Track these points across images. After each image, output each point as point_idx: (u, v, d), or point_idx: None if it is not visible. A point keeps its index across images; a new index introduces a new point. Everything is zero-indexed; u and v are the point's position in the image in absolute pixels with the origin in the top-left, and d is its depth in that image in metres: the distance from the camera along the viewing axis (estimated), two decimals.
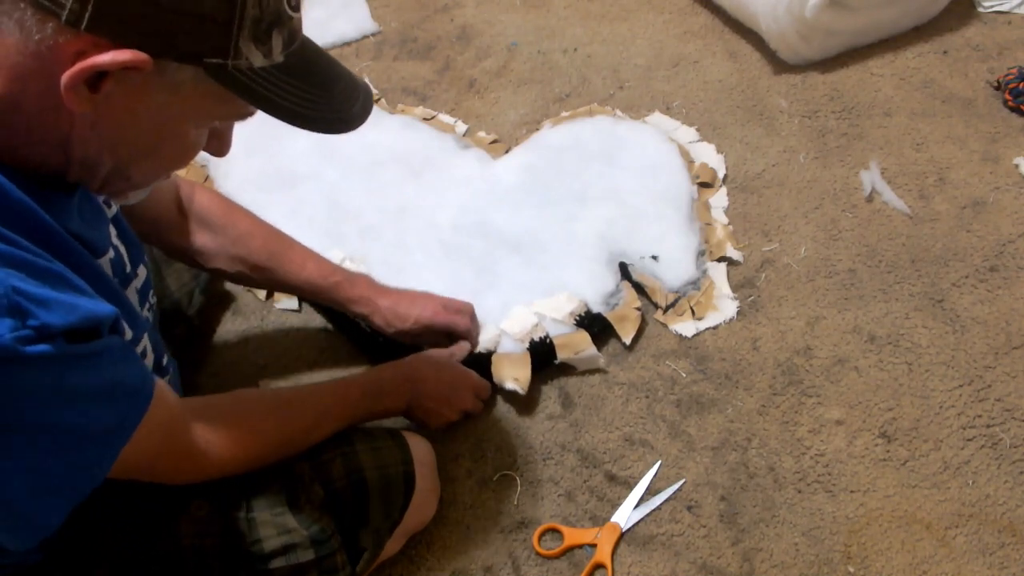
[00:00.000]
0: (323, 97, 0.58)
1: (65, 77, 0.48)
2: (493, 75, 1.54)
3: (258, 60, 0.53)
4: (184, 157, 0.61)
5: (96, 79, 0.49)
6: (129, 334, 0.63)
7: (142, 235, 0.93)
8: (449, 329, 1.02)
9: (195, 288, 1.11)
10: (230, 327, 1.17)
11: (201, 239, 0.94)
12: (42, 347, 0.47)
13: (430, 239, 1.21)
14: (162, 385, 0.63)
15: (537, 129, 1.40)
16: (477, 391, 1.00)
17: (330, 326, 1.16)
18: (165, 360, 0.75)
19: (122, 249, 0.70)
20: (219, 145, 0.63)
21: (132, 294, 0.70)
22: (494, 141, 1.40)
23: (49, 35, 0.47)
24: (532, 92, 1.49)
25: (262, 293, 1.20)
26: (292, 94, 0.56)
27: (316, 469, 0.79)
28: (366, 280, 1.01)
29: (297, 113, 0.56)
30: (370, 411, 0.88)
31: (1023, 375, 1.05)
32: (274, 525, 0.74)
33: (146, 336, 0.67)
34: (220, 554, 0.73)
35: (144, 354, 0.68)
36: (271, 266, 0.96)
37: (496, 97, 1.49)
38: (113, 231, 0.69)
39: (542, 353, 1.05)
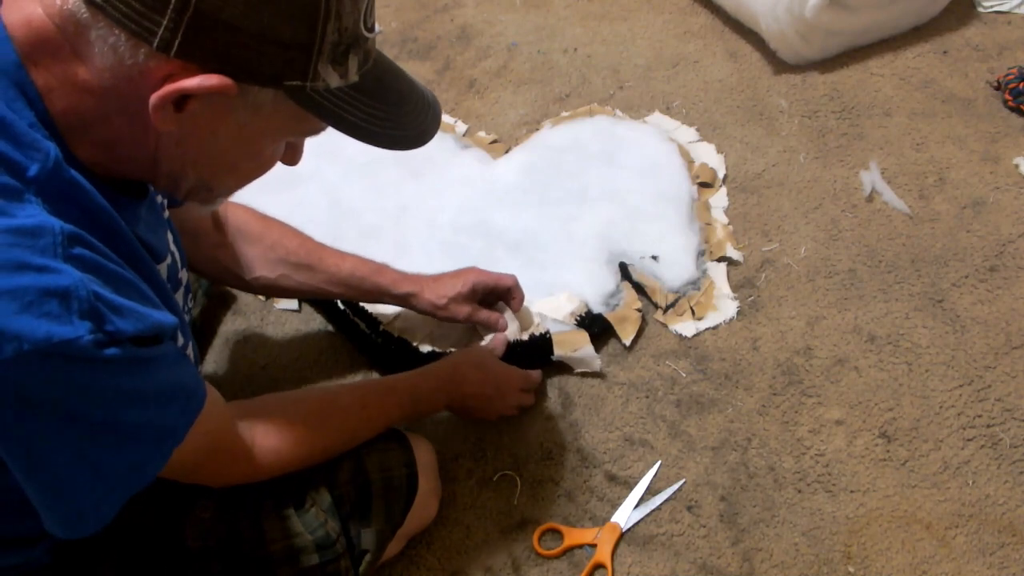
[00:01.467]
0: (394, 114, 0.60)
1: (153, 98, 0.50)
2: (493, 75, 1.54)
3: (334, 81, 0.55)
4: (261, 170, 0.63)
5: (182, 100, 0.51)
6: (181, 340, 0.65)
7: (190, 241, 0.95)
8: (497, 285, 1.03)
9: (198, 289, 1.11)
10: (230, 327, 1.17)
11: (240, 250, 0.95)
12: (113, 350, 0.50)
13: (430, 239, 1.21)
14: (212, 389, 0.65)
15: (537, 129, 1.40)
16: (523, 385, 1.01)
17: (330, 326, 1.16)
18: (201, 363, 0.77)
19: (177, 255, 0.72)
20: (292, 156, 0.65)
21: (180, 298, 0.72)
22: (494, 141, 1.40)
23: (141, 60, 0.50)
24: (532, 92, 1.49)
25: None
26: (364, 112, 0.58)
27: (321, 471, 0.79)
28: (399, 269, 1.04)
29: (368, 131, 0.58)
30: (407, 417, 0.89)
31: (1023, 375, 1.05)
32: (279, 528, 0.75)
33: (191, 345, 0.69)
34: (225, 557, 0.73)
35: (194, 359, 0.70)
36: (312, 263, 0.97)
37: (496, 97, 1.49)
38: (170, 236, 0.71)
39: (540, 349, 1.05)
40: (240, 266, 0.95)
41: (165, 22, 0.48)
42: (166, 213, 0.73)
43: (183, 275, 0.75)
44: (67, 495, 0.54)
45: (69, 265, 0.49)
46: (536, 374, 1.03)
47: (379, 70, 0.60)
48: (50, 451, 0.51)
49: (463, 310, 1.02)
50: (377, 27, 0.59)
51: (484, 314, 1.04)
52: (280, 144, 0.62)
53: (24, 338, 0.46)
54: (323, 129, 0.61)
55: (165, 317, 0.56)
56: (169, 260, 0.69)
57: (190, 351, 0.69)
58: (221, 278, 0.99)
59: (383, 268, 1.01)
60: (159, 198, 0.70)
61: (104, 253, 0.53)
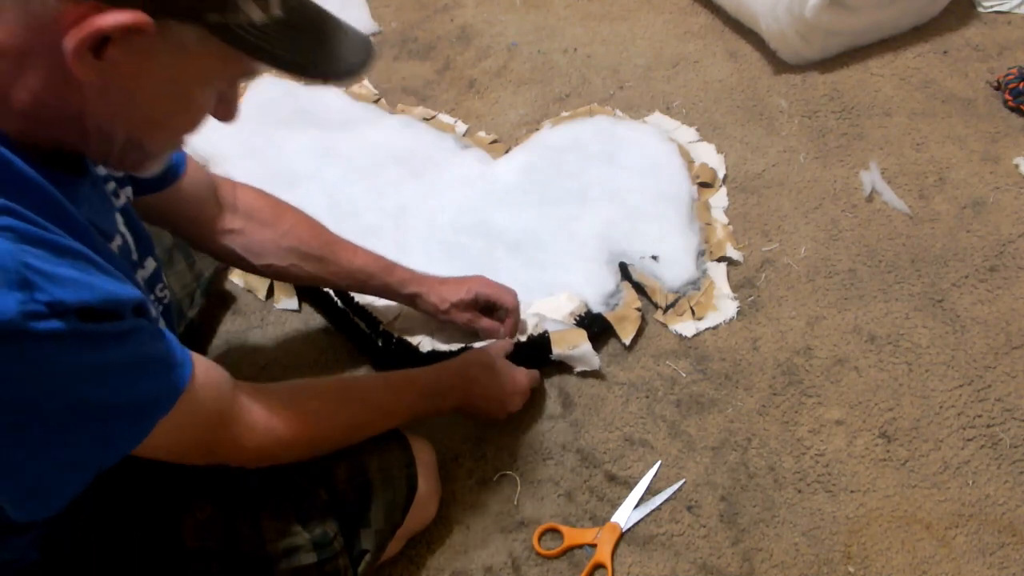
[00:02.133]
0: (325, 49, 0.59)
1: (68, 43, 0.48)
2: (493, 75, 1.54)
3: (257, 15, 0.53)
4: (193, 123, 0.61)
5: (100, 46, 0.50)
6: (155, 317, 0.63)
7: (191, 241, 0.95)
8: (498, 300, 1.04)
9: (196, 289, 1.11)
10: (230, 327, 1.17)
11: (251, 236, 0.94)
12: (52, 323, 0.47)
13: (430, 239, 1.21)
14: (207, 364, 0.64)
15: (537, 129, 1.40)
16: (531, 384, 1.01)
17: (330, 326, 1.16)
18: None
19: (129, 238, 0.70)
20: (226, 110, 0.63)
21: (139, 282, 0.71)
22: (494, 141, 1.40)
23: (51, 4, 0.48)
24: (532, 92, 1.49)
25: (262, 293, 1.20)
26: (293, 48, 0.56)
27: (320, 471, 0.79)
28: (409, 268, 1.04)
29: (300, 65, 0.57)
30: (424, 412, 0.89)
31: (1023, 375, 1.05)
32: (277, 528, 0.75)
33: (161, 322, 0.67)
34: (223, 556, 0.73)
35: None
36: (324, 255, 0.97)
37: (496, 97, 1.49)
38: (120, 219, 0.69)
39: (538, 348, 1.05)
40: (250, 251, 0.95)
41: None
42: (121, 200, 0.71)
43: (148, 263, 0.74)
44: (18, 476, 0.51)
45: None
46: (537, 372, 1.04)
47: (306, 6, 0.58)
48: (9, 442, 0.50)
49: (463, 316, 1.04)
50: None
51: (484, 322, 1.05)
52: (210, 92, 0.60)
53: None
54: (255, 72, 0.60)
55: (123, 289, 0.53)
56: (120, 241, 0.67)
57: (161, 325, 0.66)
58: (229, 261, 0.98)
59: (392, 267, 1.02)
60: (111, 187, 0.69)
61: (41, 224, 0.50)
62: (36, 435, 0.51)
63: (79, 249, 0.52)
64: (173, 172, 0.84)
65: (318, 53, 0.58)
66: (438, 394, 0.90)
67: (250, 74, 0.60)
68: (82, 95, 0.53)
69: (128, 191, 0.74)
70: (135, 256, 0.70)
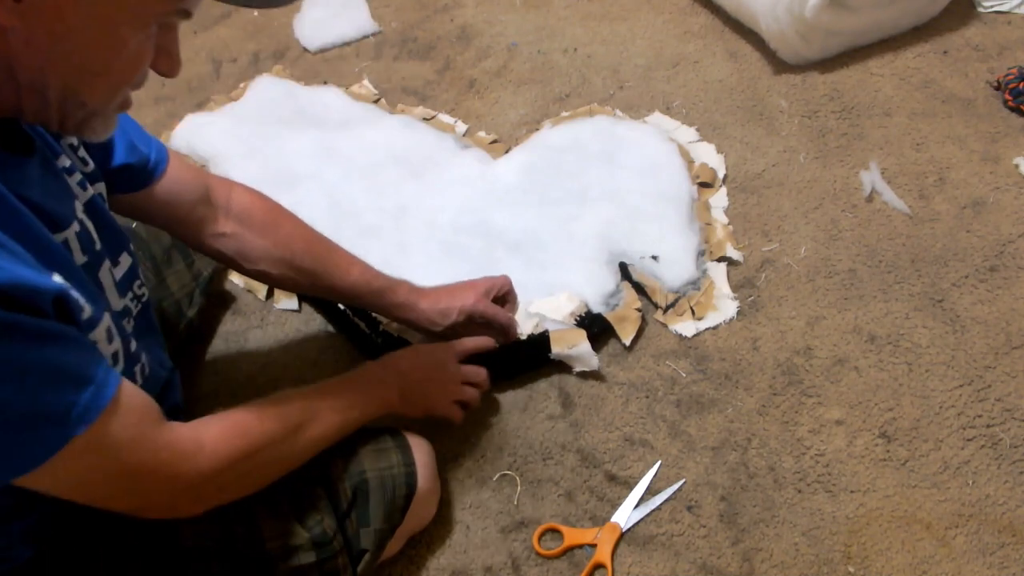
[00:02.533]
0: None
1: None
2: (493, 75, 1.54)
3: None
4: (131, 70, 0.58)
5: None
6: (88, 311, 0.59)
7: (183, 240, 0.92)
8: (490, 320, 1.01)
9: (195, 289, 1.11)
10: (230, 327, 1.17)
11: (243, 242, 0.91)
12: None
13: (430, 239, 1.21)
14: (132, 390, 0.59)
15: (537, 129, 1.40)
16: (466, 378, 0.96)
17: (330, 326, 1.16)
18: (134, 346, 0.70)
19: (90, 226, 0.67)
20: (168, 62, 0.59)
21: (106, 276, 0.69)
22: (494, 141, 1.40)
23: None
24: (532, 92, 1.49)
25: (262, 293, 1.20)
26: None
27: (318, 471, 0.79)
28: (407, 286, 1.00)
29: None
30: (364, 406, 0.84)
31: (1023, 375, 1.05)
32: (276, 527, 0.74)
33: (108, 318, 0.63)
34: (221, 556, 0.73)
35: (110, 339, 0.63)
36: (317, 270, 0.94)
37: (496, 97, 1.49)
38: (80, 208, 0.67)
39: (537, 347, 1.05)
40: (242, 256, 0.92)
41: None
42: (89, 192, 0.69)
43: (123, 259, 0.72)
44: None
45: None
46: (482, 371, 0.98)
47: None
48: None
49: (454, 332, 1.01)
50: None
51: (473, 343, 1.01)
52: (143, 35, 0.56)
53: None
54: (186, 9, 0.56)
55: (35, 277, 0.50)
56: (77, 228, 0.64)
57: (110, 328, 0.63)
58: (223, 262, 0.95)
59: (385, 290, 0.97)
60: (77, 178, 0.68)
61: None
62: None
63: None
64: (149, 173, 0.82)
65: None
66: (369, 381, 0.86)
67: (181, 11, 0.57)
68: (7, 44, 0.51)
69: (101, 187, 0.73)
70: (99, 246, 0.68)
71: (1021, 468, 0.97)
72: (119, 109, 0.61)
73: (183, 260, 1.10)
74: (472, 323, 1.01)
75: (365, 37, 1.67)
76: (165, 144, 0.85)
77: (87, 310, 0.58)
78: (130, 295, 0.74)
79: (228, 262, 0.93)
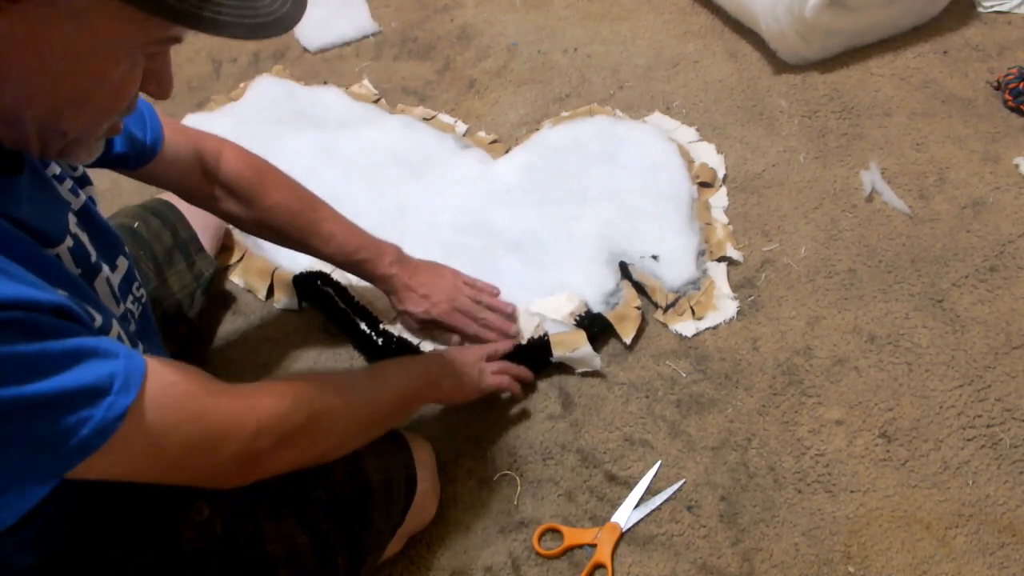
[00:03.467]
0: (247, 3, 0.51)
1: None
2: (493, 75, 1.54)
3: None
4: (115, 100, 0.55)
5: None
6: (99, 319, 0.58)
7: (189, 201, 0.95)
8: (456, 329, 1.05)
9: (196, 289, 1.11)
10: (230, 327, 1.17)
11: (228, 207, 0.95)
12: None
13: (430, 239, 1.21)
14: (165, 365, 0.57)
15: (537, 129, 1.40)
16: (483, 353, 0.99)
17: (330, 326, 1.16)
18: (141, 349, 0.69)
19: (84, 238, 0.67)
20: (158, 86, 0.56)
21: (102, 286, 0.68)
22: (494, 141, 1.40)
23: None
24: (532, 92, 1.49)
25: (262, 293, 1.20)
26: (212, 2, 0.49)
27: (318, 472, 0.78)
28: (393, 252, 1.03)
29: (213, 21, 0.49)
30: (413, 381, 0.86)
31: (1023, 375, 1.05)
32: (276, 528, 0.74)
33: (116, 324, 0.63)
34: (222, 557, 0.72)
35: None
36: (300, 238, 0.98)
37: (496, 97, 1.49)
38: (73, 219, 0.66)
39: (538, 351, 1.05)
40: (230, 219, 0.97)
41: None
42: (80, 199, 0.68)
43: (120, 262, 0.72)
44: None
45: None
46: (503, 345, 1.03)
47: None
48: None
49: (409, 325, 1.05)
50: None
51: (434, 334, 1.06)
52: (129, 63, 0.53)
53: None
54: (175, 36, 0.53)
55: (37, 292, 0.48)
56: (71, 243, 0.63)
57: (120, 335, 0.62)
58: (219, 218, 1.00)
59: (363, 261, 1.01)
60: (68, 185, 0.67)
61: None
62: None
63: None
64: (147, 154, 0.84)
65: (237, 8, 0.50)
66: (409, 391, 0.86)
67: (168, 40, 0.53)
68: None
69: (91, 190, 0.73)
70: (94, 258, 0.67)
71: (1021, 468, 0.97)
72: (106, 134, 0.59)
73: (184, 260, 1.10)
74: (436, 325, 1.05)
75: (365, 37, 1.67)
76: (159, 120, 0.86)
77: (97, 319, 0.58)
78: (130, 298, 0.74)
79: (220, 217, 0.98)
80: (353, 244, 1.01)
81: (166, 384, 0.56)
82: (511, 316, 1.08)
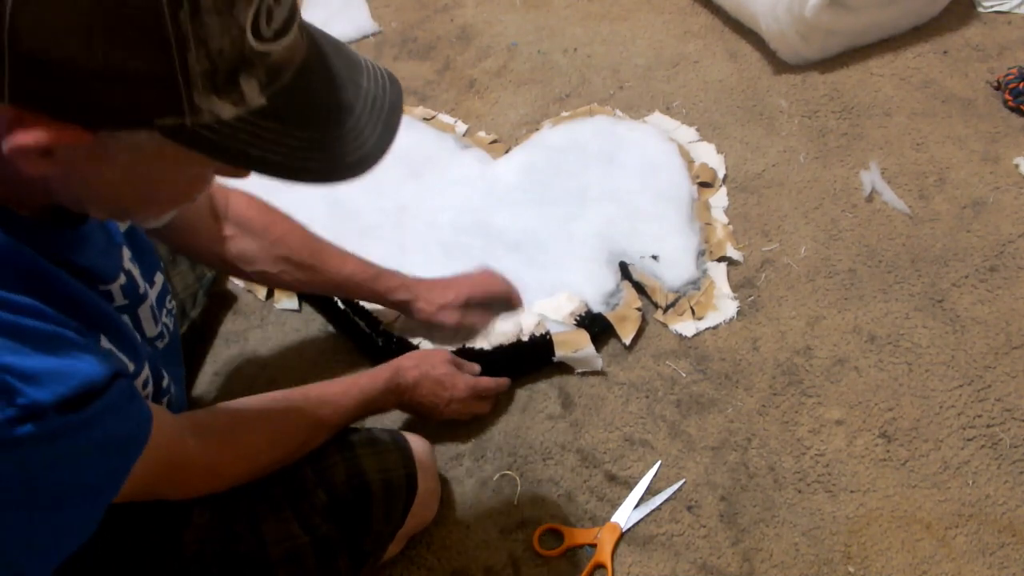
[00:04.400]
0: (322, 139, 0.49)
1: (5, 147, 0.43)
2: (493, 75, 1.54)
3: (228, 111, 0.44)
4: (186, 197, 0.54)
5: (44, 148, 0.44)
6: (130, 367, 0.61)
7: (178, 247, 0.94)
8: (489, 296, 1.04)
9: (199, 290, 1.11)
10: (231, 327, 1.17)
11: (242, 244, 0.94)
12: (28, 428, 0.45)
13: (430, 239, 1.21)
14: (158, 414, 0.60)
15: (537, 129, 1.40)
16: (472, 393, 0.99)
17: (330, 326, 1.16)
18: (166, 382, 0.72)
19: (135, 271, 0.68)
20: (237, 172, 0.53)
21: (145, 311, 0.70)
22: (494, 141, 1.40)
23: None
24: (532, 92, 1.49)
25: (262, 293, 1.20)
26: (274, 143, 0.47)
27: (319, 474, 0.79)
28: (400, 277, 1.03)
29: (282, 166, 0.47)
30: (359, 418, 0.88)
31: (1023, 375, 1.05)
32: (277, 531, 0.74)
33: (147, 367, 0.65)
34: (223, 561, 0.72)
35: (145, 384, 0.65)
36: (314, 263, 0.97)
37: (496, 97, 1.49)
38: (127, 255, 0.67)
39: (540, 350, 1.05)
40: (241, 259, 0.95)
41: None
42: (125, 223, 0.68)
43: (157, 278, 0.73)
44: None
45: None
46: (492, 382, 1.02)
47: (304, 80, 0.48)
48: None
49: (452, 317, 1.02)
50: (289, 34, 0.46)
51: (471, 319, 1.04)
52: (197, 172, 0.52)
53: None
54: (238, 174, 0.52)
55: (96, 368, 0.49)
56: (123, 280, 0.64)
57: (147, 376, 0.65)
58: (221, 268, 0.99)
59: (380, 275, 1.01)
60: None
61: (17, 305, 0.47)
62: (19, 512, 0.48)
63: (52, 332, 0.48)
64: None
65: (312, 148, 0.48)
66: (371, 402, 0.89)
67: (234, 173, 0.52)
68: (44, 179, 0.48)
69: None
70: (141, 288, 0.69)
71: (1021, 468, 0.97)
72: (171, 215, 0.59)
73: (187, 260, 1.10)
74: (464, 307, 1.03)
75: (365, 37, 1.67)
76: None
77: (130, 367, 0.60)
78: (164, 312, 0.75)
79: (228, 266, 0.96)
80: (366, 263, 1.01)
81: (160, 433, 0.60)
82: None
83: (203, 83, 0.43)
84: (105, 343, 0.57)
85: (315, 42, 0.51)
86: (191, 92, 0.43)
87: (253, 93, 0.45)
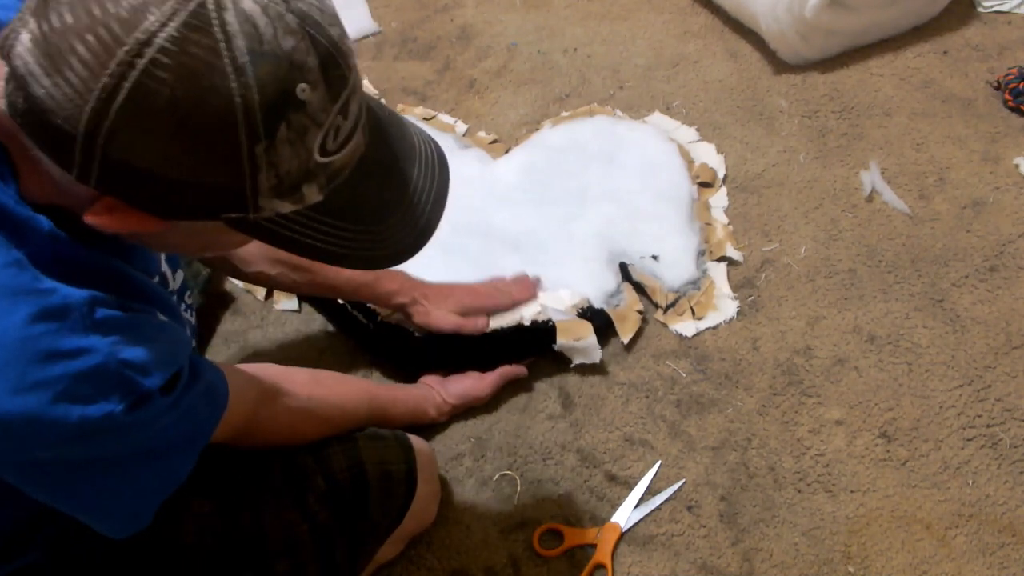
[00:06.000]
0: (370, 231, 0.55)
1: (85, 218, 0.49)
2: (493, 75, 1.54)
3: (287, 208, 0.50)
4: (235, 247, 0.61)
5: None
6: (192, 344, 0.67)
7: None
8: (486, 311, 1.05)
9: (194, 288, 1.11)
10: (230, 327, 1.17)
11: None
12: (145, 411, 0.52)
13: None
14: (232, 371, 0.69)
15: (537, 129, 1.40)
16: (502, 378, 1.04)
17: (330, 326, 1.16)
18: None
19: (168, 273, 0.72)
20: None
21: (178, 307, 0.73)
22: (494, 141, 1.40)
23: (69, 179, 0.48)
24: (532, 92, 1.49)
25: (261, 293, 1.20)
26: (327, 234, 0.53)
27: (318, 461, 0.80)
28: (402, 274, 1.03)
29: (332, 253, 0.54)
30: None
31: (1023, 375, 1.05)
32: (276, 518, 0.75)
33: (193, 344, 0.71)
34: (222, 551, 0.73)
35: None
36: (311, 265, 0.97)
37: (496, 97, 1.49)
38: (163, 257, 0.71)
39: (542, 336, 1.05)
40: (239, 260, 0.95)
41: (78, 160, 0.46)
42: None
43: (178, 275, 0.76)
44: (106, 514, 0.57)
45: (96, 336, 0.49)
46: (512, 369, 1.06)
47: (359, 176, 0.53)
48: (89, 491, 0.54)
49: (448, 325, 1.02)
50: (352, 141, 0.51)
51: (468, 326, 1.04)
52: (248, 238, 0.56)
53: (60, 424, 0.48)
54: None
55: (187, 345, 0.58)
56: (157, 279, 0.69)
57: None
58: (220, 268, 0.99)
59: (380, 277, 1.01)
60: None
61: (120, 304, 0.52)
62: (131, 472, 0.56)
63: (147, 321, 0.54)
64: None
65: (361, 240, 0.54)
66: (390, 420, 0.93)
67: None
68: (139, 235, 0.53)
69: None
70: (172, 284, 0.73)
71: (1021, 468, 0.97)
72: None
73: (181, 259, 1.10)
74: (460, 313, 1.04)
75: (365, 37, 1.67)
76: None
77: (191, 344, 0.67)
78: (183, 306, 0.77)
79: (226, 267, 0.97)
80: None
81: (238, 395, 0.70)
82: (534, 283, 1.10)
83: (269, 192, 0.49)
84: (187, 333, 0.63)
85: (376, 127, 0.56)
86: (257, 198, 0.49)
87: (311, 195, 0.51)
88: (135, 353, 0.51)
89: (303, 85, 0.46)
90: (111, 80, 0.43)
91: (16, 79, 0.45)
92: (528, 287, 1.08)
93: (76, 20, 0.43)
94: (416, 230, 0.58)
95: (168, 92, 0.44)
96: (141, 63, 0.43)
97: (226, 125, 0.45)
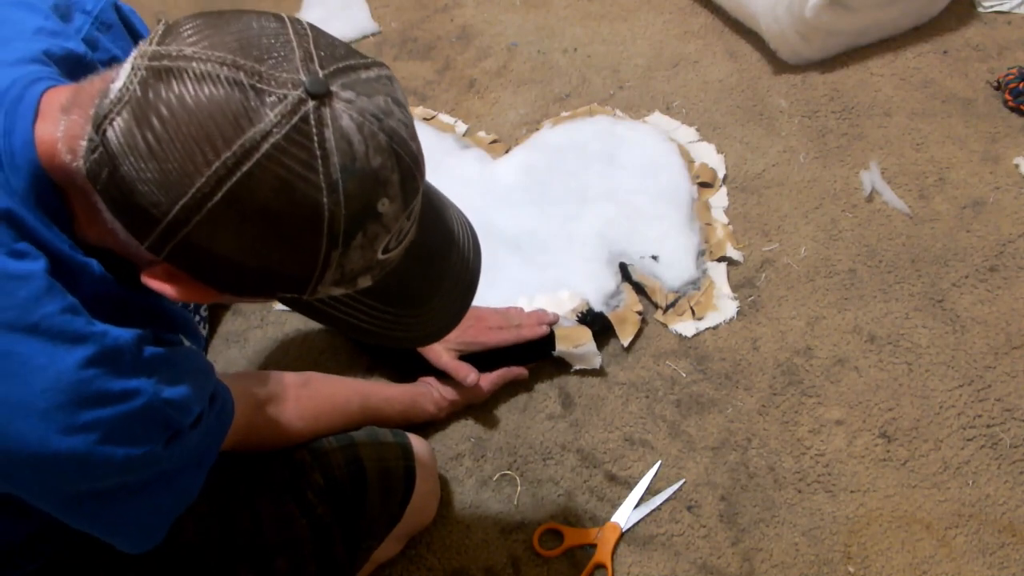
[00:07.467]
0: (407, 316, 0.58)
1: (143, 278, 0.51)
2: (493, 75, 1.54)
3: (338, 292, 0.53)
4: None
5: None
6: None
7: None
8: (476, 348, 1.02)
9: None
10: (230, 327, 1.17)
11: None
12: (177, 446, 0.56)
13: None
14: (230, 383, 0.69)
15: (537, 129, 1.40)
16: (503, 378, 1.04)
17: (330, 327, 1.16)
18: None
19: None
20: None
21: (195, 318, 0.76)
22: (494, 141, 1.40)
23: (137, 243, 0.49)
24: (532, 92, 1.49)
25: None
26: (367, 315, 0.56)
27: (316, 458, 0.80)
28: None
29: (371, 332, 0.57)
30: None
31: (1023, 375, 1.05)
32: (275, 513, 0.75)
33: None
34: (222, 547, 0.73)
35: None
36: None
37: (496, 97, 1.49)
38: None
39: (541, 343, 1.05)
40: None
41: (154, 238, 0.47)
42: None
43: None
44: (126, 534, 0.59)
45: (143, 377, 0.52)
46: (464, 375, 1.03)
47: (406, 264, 0.56)
48: (113, 514, 0.56)
49: (442, 363, 1.01)
50: (408, 237, 0.54)
51: (455, 367, 1.01)
52: None
53: (106, 463, 0.51)
54: None
55: (207, 363, 0.62)
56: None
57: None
58: None
59: None
60: None
61: (156, 336, 0.55)
62: (154, 494, 0.58)
63: (179, 351, 0.57)
64: None
65: (397, 324, 0.58)
66: (385, 418, 0.94)
67: None
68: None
69: None
70: (192, 304, 0.75)
71: (1021, 468, 0.97)
72: None
73: None
74: (455, 351, 1.02)
75: (365, 37, 1.67)
76: None
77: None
78: (197, 317, 0.77)
79: None
80: None
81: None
82: (552, 320, 1.06)
83: (329, 282, 0.51)
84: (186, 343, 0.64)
85: (424, 212, 0.58)
86: (317, 287, 0.51)
87: (365, 282, 0.53)
88: (175, 392, 0.54)
89: (384, 200, 0.49)
90: (209, 182, 0.44)
91: (107, 152, 0.46)
92: (540, 327, 1.04)
93: (181, 115, 0.44)
94: (448, 316, 0.61)
95: (262, 198, 0.45)
96: (242, 170, 0.44)
97: (311, 231, 0.47)
